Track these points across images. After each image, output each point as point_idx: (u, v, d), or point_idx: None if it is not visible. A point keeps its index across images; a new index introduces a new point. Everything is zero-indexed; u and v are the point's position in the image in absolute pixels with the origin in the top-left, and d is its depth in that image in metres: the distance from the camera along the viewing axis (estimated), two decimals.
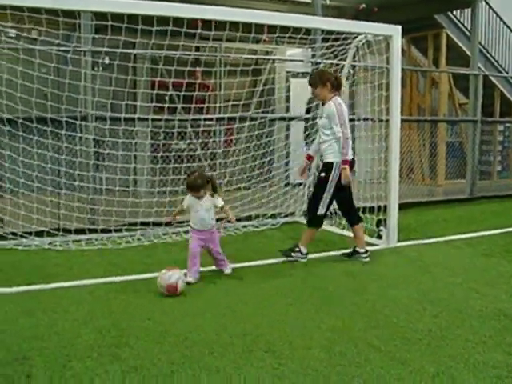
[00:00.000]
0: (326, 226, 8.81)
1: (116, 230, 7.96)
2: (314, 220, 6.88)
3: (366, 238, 7.83)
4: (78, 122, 7.70)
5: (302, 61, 11.92)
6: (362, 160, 9.05)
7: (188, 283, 5.70)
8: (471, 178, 12.31)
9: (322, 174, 6.75)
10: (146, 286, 5.69)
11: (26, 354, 4.10)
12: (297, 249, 6.83)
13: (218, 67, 10.06)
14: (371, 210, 8.26)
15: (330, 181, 6.67)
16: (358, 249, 6.96)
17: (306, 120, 9.73)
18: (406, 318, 4.88)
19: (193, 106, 8.33)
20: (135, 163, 8.49)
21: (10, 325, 4.69)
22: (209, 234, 6.10)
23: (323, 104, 6.82)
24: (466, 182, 12.48)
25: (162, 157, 8.49)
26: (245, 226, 8.62)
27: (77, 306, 5.14)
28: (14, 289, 5.65)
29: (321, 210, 6.75)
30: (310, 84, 6.83)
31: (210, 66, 10.09)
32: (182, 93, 8.17)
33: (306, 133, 9.69)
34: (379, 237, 7.88)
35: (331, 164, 6.68)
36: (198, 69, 9.47)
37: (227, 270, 6.25)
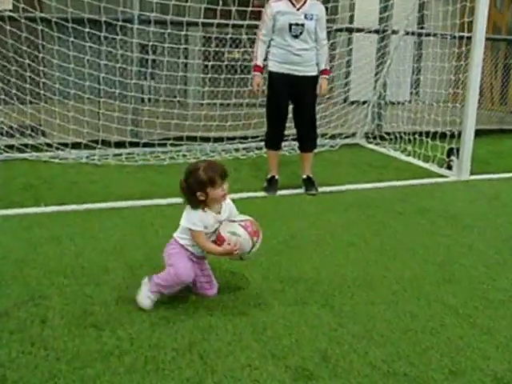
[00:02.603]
0: (389, 150, 8.06)
1: (160, 145, 7.32)
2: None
3: (435, 168, 7.07)
4: (119, 23, 6.93)
5: None
6: (428, 80, 8.23)
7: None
8: None
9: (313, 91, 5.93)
10: None
11: (45, 293, 3.54)
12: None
13: None
14: (440, 135, 7.41)
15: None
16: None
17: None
18: (486, 272, 4.14)
19: (249, 9, 7.42)
20: (183, 72, 7.67)
21: (33, 253, 4.13)
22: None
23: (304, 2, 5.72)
24: None
25: (213, 66, 7.68)
26: None
27: (108, 233, 4.56)
28: (43, 209, 5.11)
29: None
30: None
31: None
32: None
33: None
34: (449, 167, 7.06)
35: (316, 78, 5.89)
36: None
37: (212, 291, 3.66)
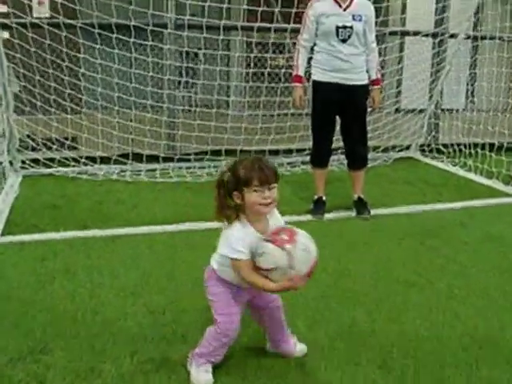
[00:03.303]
0: (447, 165, 7.35)
1: (196, 160, 6.74)
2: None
3: (500, 186, 6.35)
4: (149, 28, 6.37)
5: None
6: (485, 87, 7.59)
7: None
8: None
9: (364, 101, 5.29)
10: None
11: (48, 345, 3.00)
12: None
13: None
14: (506, 149, 6.69)
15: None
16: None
17: None
18: None
19: (293, 10, 6.76)
20: (223, 80, 7.05)
21: (42, 292, 3.60)
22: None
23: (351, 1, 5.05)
24: None
25: (255, 73, 7.08)
26: None
27: (130, 266, 3.99)
28: (62, 234, 4.58)
29: None
30: None
31: None
32: None
33: None
34: None
35: (367, 87, 5.24)
36: None
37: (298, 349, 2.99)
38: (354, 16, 5.01)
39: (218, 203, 2.62)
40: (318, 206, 5.31)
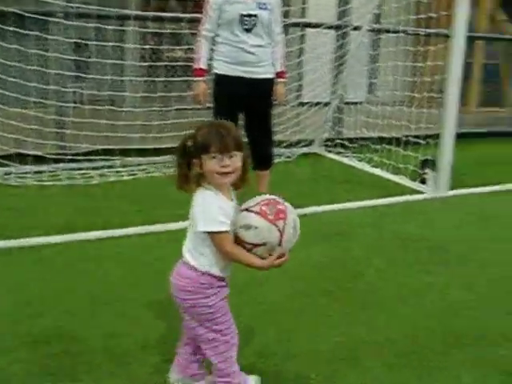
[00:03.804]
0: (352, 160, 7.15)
1: (88, 160, 6.18)
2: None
3: (407, 183, 6.19)
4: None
5: None
6: (390, 80, 7.55)
7: None
8: None
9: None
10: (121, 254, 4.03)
11: None
12: None
13: None
14: (413, 144, 6.56)
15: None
16: None
17: None
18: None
19: None
20: (114, 74, 6.48)
21: None
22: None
23: None
24: (508, 113, 10.69)
25: (150, 67, 6.58)
26: None
27: (10, 288, 3.47)
28: None
29: None
30: None
31: None
32: None
33: None
34: (423, 181, 6.19)
35: (272, 81, 4.94)
36: None
37: None
38: (258, 4, 4.69)
39: (179, 173, 2.28)
40: None
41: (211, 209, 2.21)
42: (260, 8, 4.67)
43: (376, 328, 3.17)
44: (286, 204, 2.30)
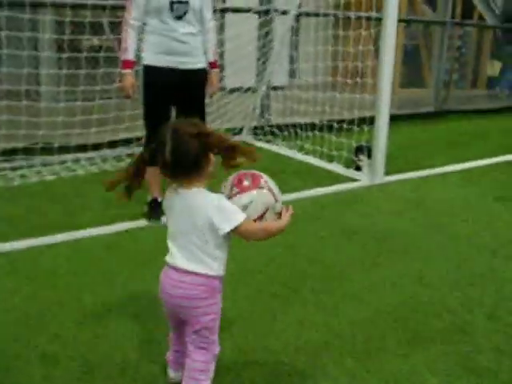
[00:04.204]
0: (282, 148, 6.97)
1: (6, 160, 5.75)
2: None
3: (341, 170, 6.07)
4: None
5: None
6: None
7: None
8: (435, 90, 10.57)
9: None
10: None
11: None
12: None
13: None
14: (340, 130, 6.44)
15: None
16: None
17: None
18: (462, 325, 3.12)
19: None
20: (29, 66, 5.97)
21: None
22: None
23: None
24: (429, 93, 10.76)
25: (69, 58, 6.13)
26: None
27: None
28: None
29: None
30: None
31: None
32: None
33: None
34: (357, 168, 6.08)
35: (205, 71, 4.67)
36: None
37: None
38: None
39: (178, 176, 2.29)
40: (155, 209, 4.62)
41: (224, 204, 2.22)
42: None
43: (331, 329, 3.00)
44: (249, 170, 2.36)
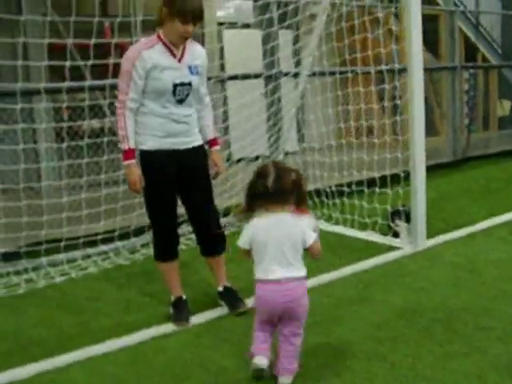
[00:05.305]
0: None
1: (8, 263, 5.18)
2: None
3: (378, 239, 5.52)
4: None
5: None
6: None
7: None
8: (453, 137, 10.08)
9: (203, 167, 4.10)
10: None
11: None
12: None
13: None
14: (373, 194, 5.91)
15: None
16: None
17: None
18: None
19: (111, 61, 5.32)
20: (27, 160, 5.40)
21: None
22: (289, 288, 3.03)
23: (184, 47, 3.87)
24: (444, 141, 10.28)
25: (69, 146, 5.60)
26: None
27: None
28: None
29: None
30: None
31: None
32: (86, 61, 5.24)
33: None
34: (395, 235, 5.52)
35: (203, 148, 4.09)
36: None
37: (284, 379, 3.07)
38: (190, 68, 3.83)
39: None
40: (180, 310, 4.02)
41: (305, 224, 3.04)
42: (192, 73, 3.82)
43: None
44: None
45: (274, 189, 2.94)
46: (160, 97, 3.75)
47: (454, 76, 10.03)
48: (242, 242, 3.11)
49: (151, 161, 3.82)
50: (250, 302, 3.94)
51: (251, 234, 3.06)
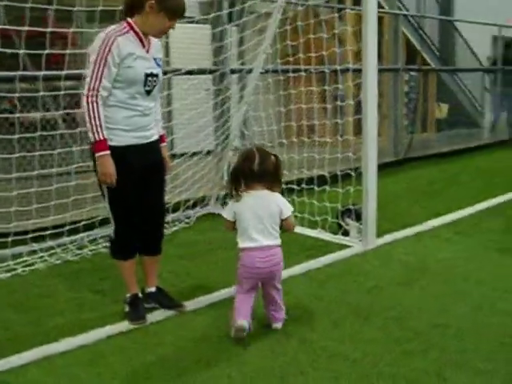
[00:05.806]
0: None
1: None
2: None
3: (327, 237, 5.58)
4: None
5: None
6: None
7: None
8: (394, 138, 10.29)
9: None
10: None
11: None
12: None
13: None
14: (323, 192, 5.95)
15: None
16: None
17: None
18: None
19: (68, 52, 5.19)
20: None
21: None
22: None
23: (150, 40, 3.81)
24: (388, 141, 10.46)
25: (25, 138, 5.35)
26: None
27: None
28: None
29: None
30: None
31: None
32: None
33: None
34: (345, 233, 5.59)
35: (159, 144, 4.07)
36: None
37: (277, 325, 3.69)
38: (156, 60, 3.78)
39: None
40: (136, 308, 3.94)
41: (281, 198, 3.56)
42: (158, 65, 3.77)
43: None
44: None
45: (259, 170, 3.44)
46: (130, 86, 3.65)
47: (397, 78, 10.22)
48: (227, 214, 3.58)
49: (120, 157, 3.67)
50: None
51: (235, 208, 3.51)
